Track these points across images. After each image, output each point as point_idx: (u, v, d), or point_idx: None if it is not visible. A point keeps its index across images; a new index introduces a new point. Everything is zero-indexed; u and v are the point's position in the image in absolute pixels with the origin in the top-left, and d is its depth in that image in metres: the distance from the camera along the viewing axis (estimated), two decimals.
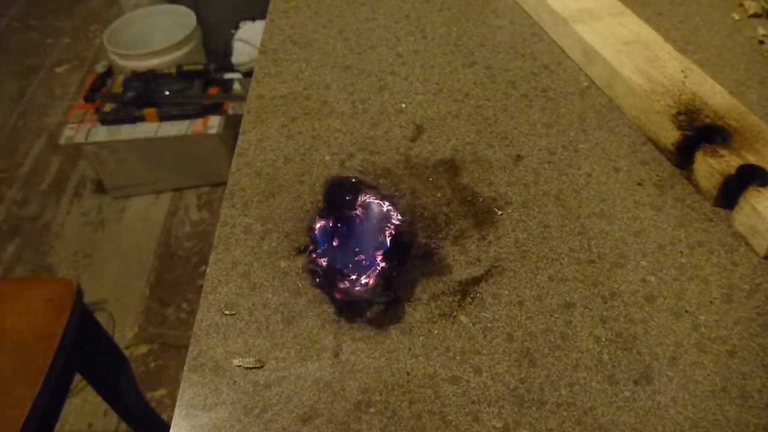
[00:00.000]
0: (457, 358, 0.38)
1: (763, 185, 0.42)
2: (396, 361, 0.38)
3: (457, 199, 0.47)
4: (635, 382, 0.36)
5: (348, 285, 0.40)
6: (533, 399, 0.36)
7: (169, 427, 0.36)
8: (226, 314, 0.41)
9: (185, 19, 1.72)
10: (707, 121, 0.47)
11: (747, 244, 0.43)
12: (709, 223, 0.44)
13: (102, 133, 1.49)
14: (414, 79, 0.59)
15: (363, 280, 0.40)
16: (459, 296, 0.41)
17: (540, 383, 0.36)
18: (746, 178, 0.43)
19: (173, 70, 1.55)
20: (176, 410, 0.36)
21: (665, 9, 0.65)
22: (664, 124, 0.48)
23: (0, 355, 0.70)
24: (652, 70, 0.52)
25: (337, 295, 0.40)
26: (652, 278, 0.41)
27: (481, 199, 0.47)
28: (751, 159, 0.44)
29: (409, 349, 0.38)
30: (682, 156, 0.47)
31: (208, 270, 0.44)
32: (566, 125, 0.53)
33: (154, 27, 1.78)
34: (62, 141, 1.48)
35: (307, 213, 0.47)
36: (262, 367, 0.38)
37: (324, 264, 0.41)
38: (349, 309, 0.40)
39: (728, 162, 0.44)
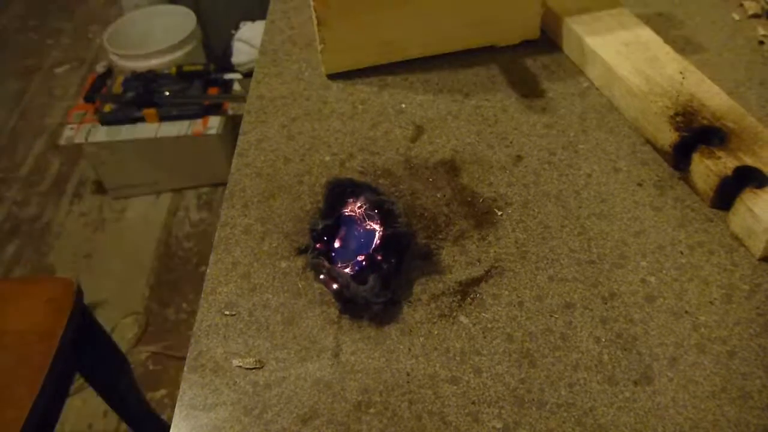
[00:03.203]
0: (457, 358, 0.38)
1: (759, 187, 0.42)
2: (396, 361, 0.38)
3: (457, 199, 0.47)
4: (635, 383, 0.36)
5: (347, 284, 0.40)
6: (533, 399, 0.36)
7: (169, 427, 0.36)
8: (226, 315, 0.41)
9: (185, 19, 1.72)
10: (704, 122, 0.47)
11: (743, 246, 0.43)
12: (709, 224, 0.44)
13: (102, 134, 1.49)
14: (414, 79, 0.59)
15: (362, 280, 0.40)
16: (459, 297, 0.41)
17: (540, 384, 0.36)
18: (743, 179, 0.43)
19: (173, 70, 1.55)
20: (176, 410, 0.36)
21: (665, 9, 0.65)
22: (662, 125, 0.48)
23: (0, 355, 0.70)
24: (650, 71, 0.52)
25: (336, 286, 0.40)
26: (652, 279, 0.41)
27: (481, 200, 0.47)
28: (748, 161, 0.44)
29: (409, 349, 0.38)
30: (679, 157, 0.47)
31: (208, 270, 0.44)
32: (566, 125, 0.53)
33: (154, 27, 1.78)
34: (62, 141, 1.48)
35: (308, 213, 0.47)
36: (262, 367, 0.38)
37: (326, 263, 0.41)
38: (351, 308, 0.40)
39: (725, 163, 0.44)
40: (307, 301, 0.41)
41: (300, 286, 0.42)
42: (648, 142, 0.51)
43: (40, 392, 0.66)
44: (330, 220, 0.43)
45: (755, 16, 0.64)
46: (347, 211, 0.44)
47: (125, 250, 1.53)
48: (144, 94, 1.48)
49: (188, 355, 0.39)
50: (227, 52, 1.72)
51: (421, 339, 0.39)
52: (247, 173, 0.50)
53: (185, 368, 0.38)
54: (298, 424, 0.35)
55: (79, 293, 0.77)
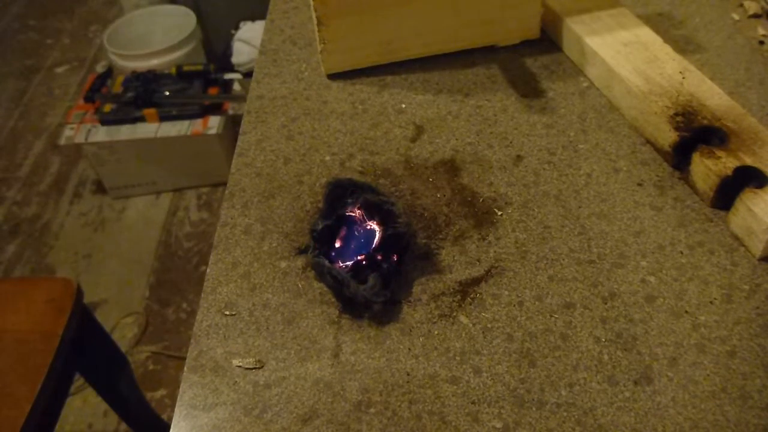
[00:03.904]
0: (457, 358, 0.38)
1: (759, 187, 0.42)
2: (396, 361, 0.38)
3: (457, 199, 0.47)
4: (635, 383, 0.36)
5: (347, 283, 0.40)
6: (533, 399, 0.36)
7: (169, 427, 0.36)
8: (226, 315, 0.41)
9: (185, 19, 1.72)
10: (704, 122, 0.47)
11: (743, 246, 0.43)
12: (709, 224, 0.44)
13: (102, 134, 1.49)
14: (414, 79, 0.59)
15: (362, 280, 0.40)
16: (459, 296, 0.41)
17: (540, 383, 0.36)
18: (743, 179, 0.43)
19: (173, 70, 1.55)
20: (176, 410, 0.36)
21: (665, 9, 0.65)
22: (662, 125, 0.48)
23: (0, 355, 0.70)
24: (650, 71, 0.52)
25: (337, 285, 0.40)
26: (652, 278, 0.41)
27: (481, 200, 0.47)
28: (748, 161, 0.44)
29: (409, 349, 0.38)
30: (679, 157, 0.47)
31: (208, 270, 0.44)
32: (566, 125, 0.53)
33: (154, 27, 1.78)
34: (62, 141, 1.49)
35: (308, 213, 0.47)
36: (262, 367, 0.38)
37: (326, 263, 0.41)
38: (351, 307, 0.40)
39: (725, 163, 0.44)
40: (307, 301, 0.41)
41: (300, 286, 0.42)
42: (648, 142, 0.51)
43: (40, 392, 0.66)
44: (330, 220, 0.43)
45: (755, 16, 0.64)
46: (347, 211, 0.44)
47: (125, 250, 1.53)
48: (144, 94, 1.48)
49: (188, 355, 0.39)
50: (227, 52, 1.73)
51: (421, 339, 0.39)
52: (247, 173, 0.50)
53: (185, 368, 0.38)
54: (298, 424, 0.35)
55: (79, 293, 0.77)
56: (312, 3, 0.54)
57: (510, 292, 0.41)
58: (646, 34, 0.56)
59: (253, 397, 0.37)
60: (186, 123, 1.48)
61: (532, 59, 0.60)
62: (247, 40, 1.67)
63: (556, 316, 0.40)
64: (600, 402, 0.35)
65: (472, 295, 0.41)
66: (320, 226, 0.43)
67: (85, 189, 1.70)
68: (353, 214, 0.43)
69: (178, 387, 0.37)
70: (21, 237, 1.58)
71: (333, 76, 0.59)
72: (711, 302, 0.40)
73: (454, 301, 0.41)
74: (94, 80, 1.57)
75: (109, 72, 1.65)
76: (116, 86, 1.53)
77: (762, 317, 0.39)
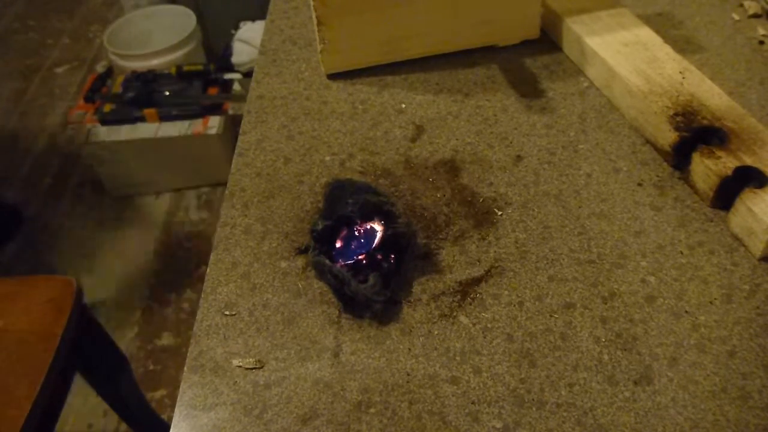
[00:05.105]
0: (457, 358, 0.38)
1: (759, 187, 0.42)
2: (396, 361, 0.38)
3: (457, 199, 0.47)
4: (635, 383, 0.36)
5: (348, 283, 0.40)
6: (533, 399, 0.36)
7: (169, 427, 0.36)
8: (226, 315, 0.41)
9: (185, 19, 1.72)
10: (704, 122, 0.47)
11: (743, 246, 0.43)
12: (709, 224, 0.44)
13: (102, 134, 1.49)
14: (414, 79, 0.59)
15: (362, 279, 0.40)
16: (459, 296, 0.41)
17: (540, 384, 0.36)
18: (743, 179, 0.43)
19: (173, 70, 1.55)
20: (176, 410, 0.36)
21: (665, 9, 0.65)
22: (662, 125, 0.48)
23: (0, 355, 0.70)
24: (650, 71, 0.52)
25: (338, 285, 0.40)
26: (652, 278, 0.41)
27: (481, 200, 0.47)
28: (748, 161, 0.44)
29: (409, 349, 0.38)
30: (679, 157, 0.47)
31: (208, 270, 0.44)
32: (566, 125, 0.53)
33: (154, 27, 1.79)
34: (62, 141, 1.48)
35: (308, 213, 0.47)
36: (262, 367, 0.38)
37: (327, 262, 0.41)
38: (352, 306, 0.40)
39: (725, 163, 0.44)
40: (307, 301, 0.41)
41: (300, 286, 0.42)
42: (648, 142, 0.51)
43: (40, 392, 0.66)
44: (330, 220, 0.43)
45: (755, 16, 0.64)
46: (347, 211, 0.44)
47: (125, 250, 1.53)
48: (144, 94, 1.48)
49: (188, 355, 0.39)
50: (227, 52, 1.73)
51: (421, 339, 0.39)
52: (247, 173, 0.50)
53: (185, 368, 0.38)
54: (298, 424, 0.35)
55: (79, 293, 0.77)
56: (312, 3, 0.54)
57: (510, 292, 0.41)
58: (646, 34, 0.56)
59: (253, 397, 0.37)
60: (186, 123, 1.48)
61: (532, 59, 0.60)
62: (247, 40, 1.67)
63: (556, 316, 0.40)
64: (600, 402, 0.35)
65: (472, 295, 0.41)
66: (320, 226, 0.43)
67: (85, 189, 1.70)
68: (353, 214, 0.43)
69: (178, 387, 0.37)
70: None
71: (333, 76, 0.60)
72: (711, 302, 0.40)
73: (454, 301, 0.41)
74: (94, 80, 1.57)
75: (109, 72, 1.66)
76: (116, 86, 1.53)
77: (762, 317, 0.39)
